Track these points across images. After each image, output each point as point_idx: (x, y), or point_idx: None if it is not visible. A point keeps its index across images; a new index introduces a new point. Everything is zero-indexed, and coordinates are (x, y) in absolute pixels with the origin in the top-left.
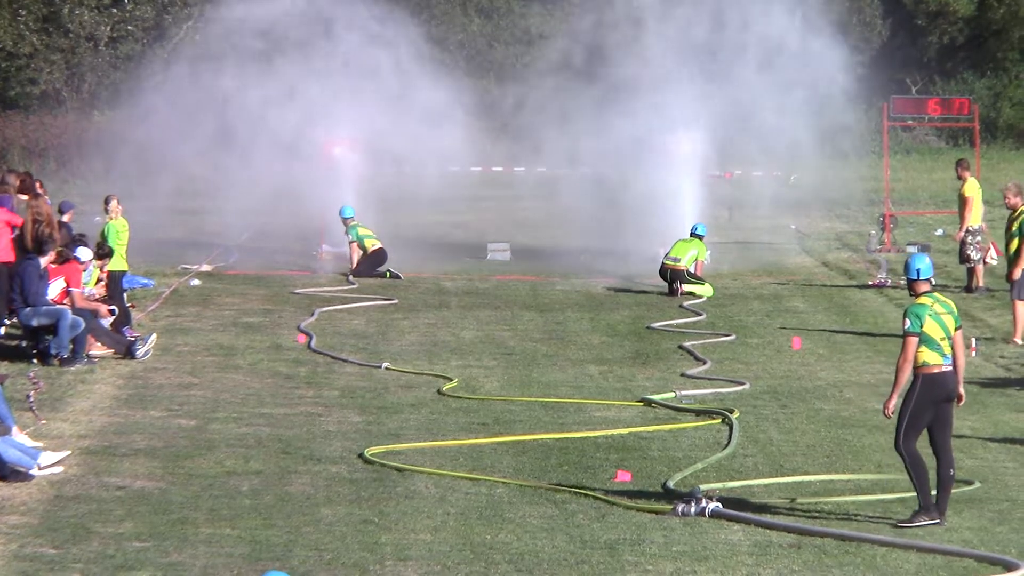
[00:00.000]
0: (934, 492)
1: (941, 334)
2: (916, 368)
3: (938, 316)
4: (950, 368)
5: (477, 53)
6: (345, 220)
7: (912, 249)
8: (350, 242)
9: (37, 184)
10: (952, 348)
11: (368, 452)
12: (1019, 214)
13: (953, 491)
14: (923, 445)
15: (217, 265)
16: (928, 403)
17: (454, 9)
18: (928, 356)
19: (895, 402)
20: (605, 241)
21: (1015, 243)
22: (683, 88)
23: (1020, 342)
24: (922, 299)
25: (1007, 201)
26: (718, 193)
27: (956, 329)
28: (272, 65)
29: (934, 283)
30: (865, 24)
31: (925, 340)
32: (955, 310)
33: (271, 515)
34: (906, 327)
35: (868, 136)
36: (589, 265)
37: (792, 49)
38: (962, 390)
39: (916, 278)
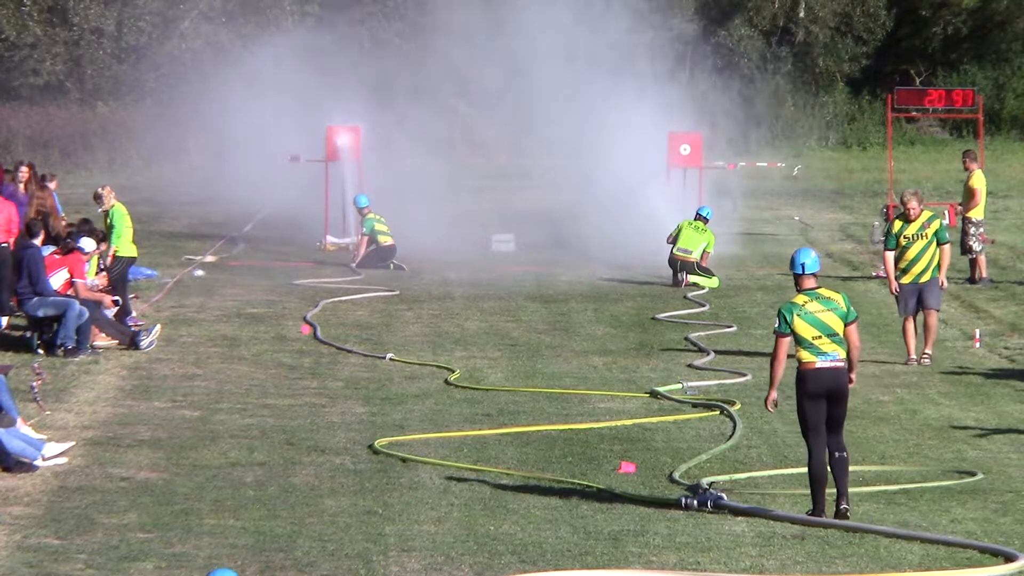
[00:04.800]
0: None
1: (814, 333)
2: (798, 365)
3: (811, 315)
4: (828, 364)
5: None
6: (360, 210)
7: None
8: (362, 234)
9: (49, 176)
10: (842, 344)
11: (377, 443)
12: (930, 220)
13: (957, 483)
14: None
15: (221, 256)
16: (805, 397)
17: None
18: (801, 354)
19: (773, 396)
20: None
21: (930, 249)
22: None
23: (930, 356)
24: (797, 297)
25: (915, 209)
26: (723, 184)
27: (849, 324)
28: None
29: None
30: (869, 15)
31: (797, 339)
32: (843, 305)
33: (275, 506)
34: (775, 327)
35: (872, 127)
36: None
37: None
38: (854, 376)
39: (801, 272)
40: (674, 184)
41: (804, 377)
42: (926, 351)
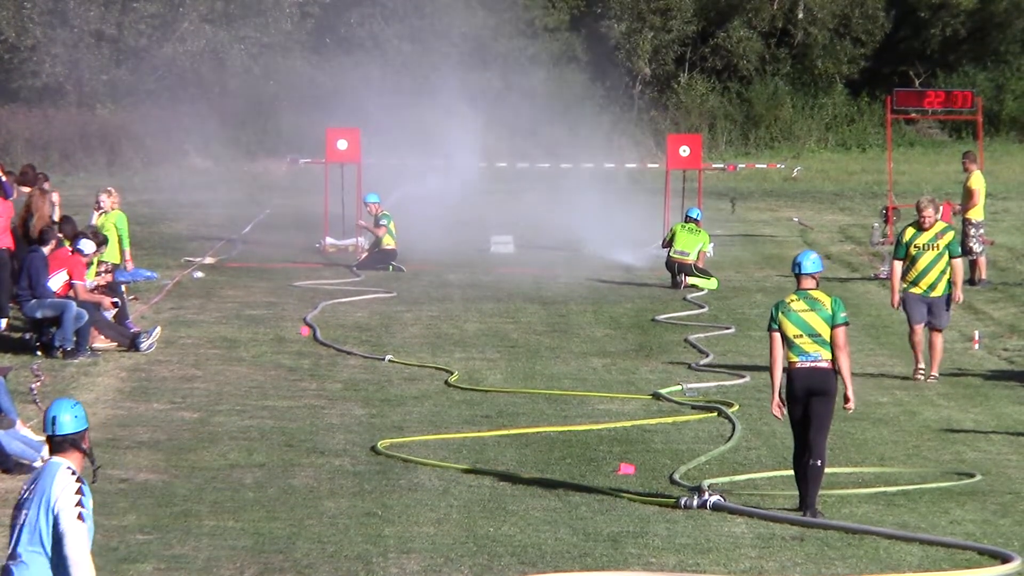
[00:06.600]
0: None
1: (796, 332)
2: (786, 366)
3: (794, 314)
4: (808, 364)
5: (480, 46)
6: (376, 205)
7: None
8: (380, 225)
9: (42, 177)
10: (825, 346)
11: (380, 444)
12: (944, 231)
13: (956, 484)
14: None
15: (220, 258)
16: (788, 398)
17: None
18: (788, 354)
19: (776, 400)
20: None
21: (941, 261)
22: None
23: (936, 378)
24: (788, 296)
25: (931, 217)
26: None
27: (834, 327)
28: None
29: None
30: (867, 17)
31: (784, 338)
32: (829, 308)
33: (274, 508)
34: (767, 325)
35: (871, 129)
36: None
37: None
38: (850, 393)
39: (795, 272)
40: (672, 186)
41: (789, 377)
42: (933, 373)
